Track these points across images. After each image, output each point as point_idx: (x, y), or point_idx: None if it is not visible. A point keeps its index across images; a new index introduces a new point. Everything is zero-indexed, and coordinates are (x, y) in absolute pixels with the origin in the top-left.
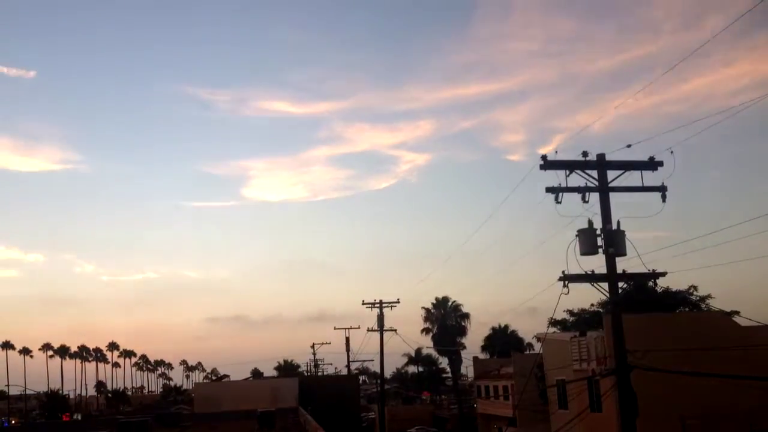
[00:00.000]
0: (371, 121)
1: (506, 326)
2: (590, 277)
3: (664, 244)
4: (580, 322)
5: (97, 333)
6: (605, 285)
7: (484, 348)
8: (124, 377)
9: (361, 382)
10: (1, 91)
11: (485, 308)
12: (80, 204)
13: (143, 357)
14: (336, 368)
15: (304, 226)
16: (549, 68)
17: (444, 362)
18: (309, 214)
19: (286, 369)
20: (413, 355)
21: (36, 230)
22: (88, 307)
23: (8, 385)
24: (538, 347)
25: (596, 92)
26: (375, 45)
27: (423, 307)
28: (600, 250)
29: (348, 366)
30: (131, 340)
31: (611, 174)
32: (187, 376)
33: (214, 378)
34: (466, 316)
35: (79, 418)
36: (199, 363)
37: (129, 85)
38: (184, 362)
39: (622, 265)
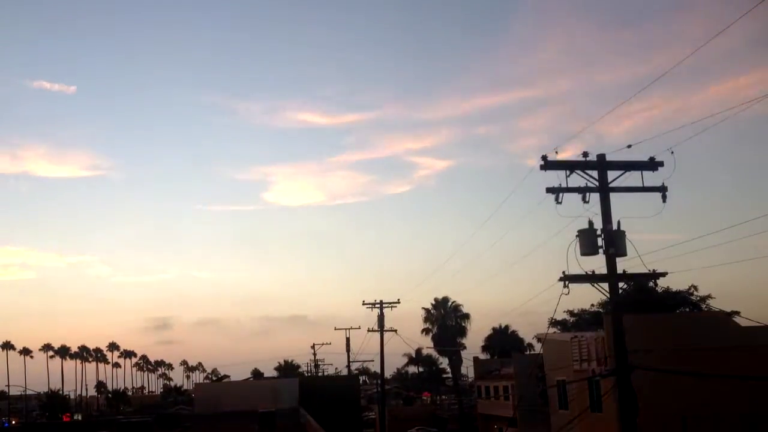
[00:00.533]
0: (395, 129)
1: (506, 326)
2: (590, 278)
3: (664, 245)
4: (581, 322)
5: (104, 333)
6: (605, 285)
7: (484, 348)
8: (124, 377)
9: (361, 382)
10: (43, 105)
11: (486, 308)
12: (106, 208)
13: (143, 357)
14: (336, 369)
15: (318, 231)
16: (573, 77)
17: (444, 362)
18: (324, 218)
19: (287, 369)
20: (413, 355)
21: (57, 233)
22: (101, 308)
23: (8, 386)
24: (538, 347)
25: (620, 100)
26: (404, 55)
27: (423, 308)
28: (600, 250)
29: (348, 366)
30: (136, 340)
31: (612, 174)
32: (188, 377)
33: (214, 378)
34: (467, 316)
35: (80, 418)
36: (200, 363)
37: (161, 96)
38: (184, 362)
39: (622, 265)
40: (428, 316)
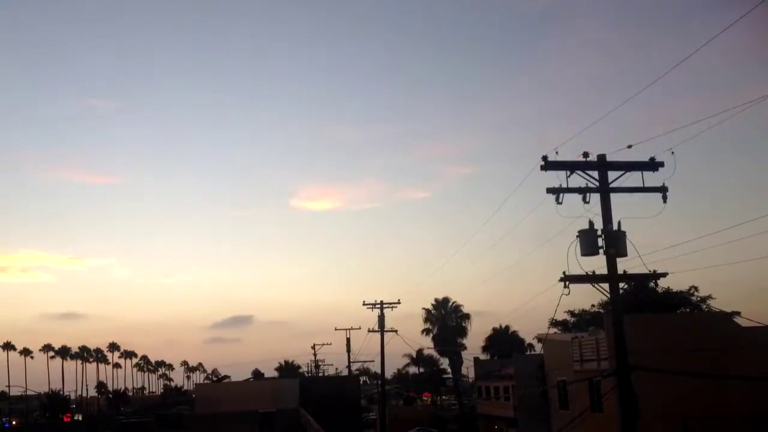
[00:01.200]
0: (420, 138)
1: (507, 327)
2: (591, 278)
3: (665, 246)
4: (581, 322)
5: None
6: (606, 285)
7: (485, 348)
8: (125, 378)
9: (361, 382)
10: (87, 119)
11: (486, 309)
12: (132, 214)
13: (144, 358)
14: (337, 369)
15: (328, 235)
16: (602, 88)
17: (445, 363)
18: (336, 222)
19: (287, 370)
20: (414, 355)
21: (80, 237)
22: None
23: (9, 386)
24: (539, 348)
25: (644, 110)
26: (431, 70)
27: (424, 308)
28: (601, 250)
29: (349, 367)
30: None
31: (612, 175)
32: (188, 377)
33: (214, 379)
34: (467, 316)
35: (80, 418)
36: (200, 364)
37: (193, 109)
38: (185, 363)
39: (623, 265)
40: (429, 317)
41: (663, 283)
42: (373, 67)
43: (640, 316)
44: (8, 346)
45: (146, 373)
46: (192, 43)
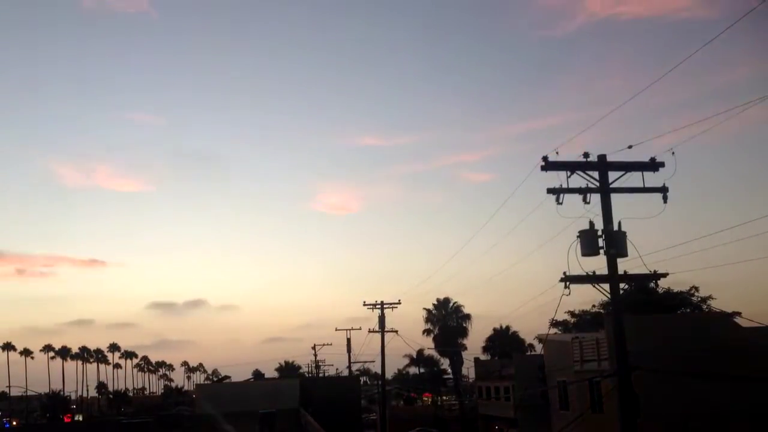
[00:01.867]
0: (442, 147)
1: (507, 327)
2: (591, 278)
3: (665, 246)
4: (582, 323)
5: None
6: (606, 286)
7: (485, 349)
8: (125, 378)
9: (362, 383)
10: (130, 134)
11: (487, 309)
12: (156, 218)
13: (144, 358)
14: (337, 369)
15: (333, 236)
16: (623, 96)
17: (445, 363)
18: (346, 225)
19: (287, 370)
20: (414, 356)
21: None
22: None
23: (9, 386)
24: (539, 348)
25: (659, 119)
26: (454, 83)
27: (424, 308)
28: (601, 251)
29: (349, 367)
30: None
31: (612, 175)
32: (188, 378)
33: (215, 379)
34: (468, 317)
35: (81, 419)
36: (200, 364)
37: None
38: (185, 363)
39: (623, 266)
40: (429, 317)
41: (663, 284)
42: (386, 73)
43: (640, 317)
44: (8, 347)
45: (147, 374)
46: (211, 45)
